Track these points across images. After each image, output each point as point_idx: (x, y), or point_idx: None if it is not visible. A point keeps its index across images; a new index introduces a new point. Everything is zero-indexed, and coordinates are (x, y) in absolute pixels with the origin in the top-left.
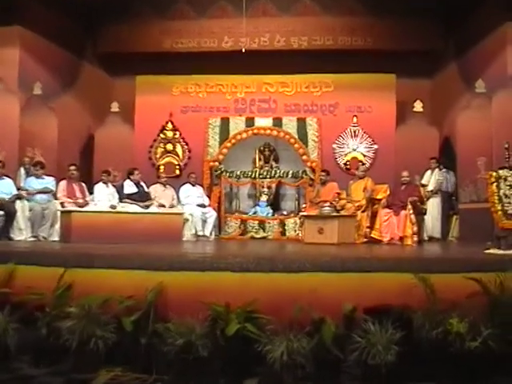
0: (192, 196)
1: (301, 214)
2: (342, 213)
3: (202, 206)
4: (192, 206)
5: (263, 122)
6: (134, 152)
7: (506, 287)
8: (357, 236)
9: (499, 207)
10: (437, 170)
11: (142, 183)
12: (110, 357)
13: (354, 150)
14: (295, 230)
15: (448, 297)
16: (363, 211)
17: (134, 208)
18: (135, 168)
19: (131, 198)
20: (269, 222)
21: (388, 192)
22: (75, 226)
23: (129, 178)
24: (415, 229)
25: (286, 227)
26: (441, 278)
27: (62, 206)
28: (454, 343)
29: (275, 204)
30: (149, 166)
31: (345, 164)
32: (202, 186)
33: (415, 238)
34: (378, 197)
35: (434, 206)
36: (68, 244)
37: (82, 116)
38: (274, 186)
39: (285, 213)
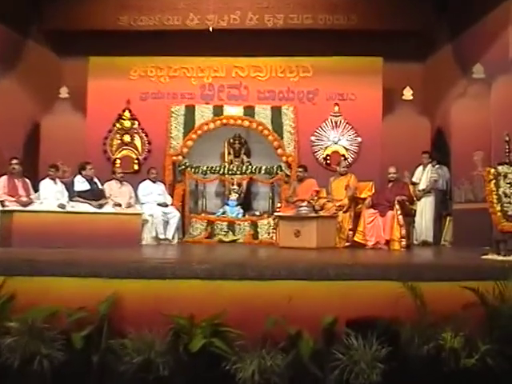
0: (152, 194)
1: (275, 214)
2: (322, 213)
3: (164, 205)
4: (152, 205)
5: (233, 111)
6: (87, 144)
7: (505, 297)
8: (338, 239)
9: (498, 208)
10: (429, 166)
11: (96, 179)
12: (57, 378)
13: (335, 142)
14: (269, 233)
15: (441, 308)
16: (345, 212)
17: (85, 207)
18: (87, 162)
19: (83, 196)
20: (239, 224)
21: (373, 190)
22: (17, 227)
23: (80, 174)
24: (403, 232)
25: (258, 229)
26: (432, 286)
27: (3, 206)
28: (448, 360)
29: (246, 203)
30: (103, 160)
31: (325, 159)
32: (163, 182)
33: (403, 242)
34: (362, 196)
35: (426, 207)
36: (9, 248)
37: (25, 102)
38: (245, 183)
39: (257, 213)
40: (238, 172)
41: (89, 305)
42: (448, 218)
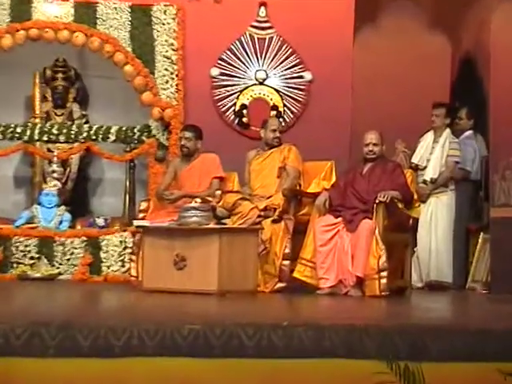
0: None
1: (136, 223)
2: (230, 223)
3: None
4: None
5: (52, 12)
6: None
7: None
8: (262, 276)
9: None
10: (446, 132)
11: None
12: None
13: (261, 82)
14: (123, 262)
15: None
16: (277, 221)
17: None
18: None
19: None
20: (63, 243)
21: (333, 178)
22: None
23: None
24: (383, 261)
25: (101, 254)
26: (446, 370)
27: None
28: None
29: (78, 201)
30: None
31: (238, 114)
32: None
33: (384, 281)
34: (311, 189)
35: (438, 214)
36: None
37: None
38: (75, 159)
39: (99, 221)
40: (63, 137)
41: None
42: (481, 236)
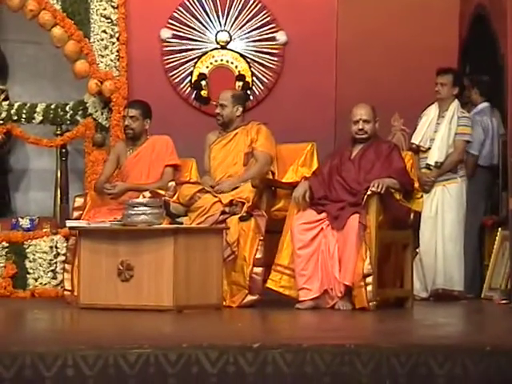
0: None
1: (69, 224)
2: (187, 221)
3: None
4: None
5: None
6: None
7: None
8: (229, 287)
9: None
10: (454, 105)
11: None
12: None
13: (223, 46)
14: (54, 273)
15: None
16: (245, 218)
17: None
18: None
19: None
20: None
21: (315, 164)
22: None
23: None
24: (367, 263)
25: (27, 263)
26: None
27: None
28: None
29: None
30: None
31: (195, 86)
32: None
33: (369, 288)
34: (288, 178)
35: (445, 206)
36: None
37: None
38: None
39: (25, 222)
40: None
41: None
42: (499, 233)
